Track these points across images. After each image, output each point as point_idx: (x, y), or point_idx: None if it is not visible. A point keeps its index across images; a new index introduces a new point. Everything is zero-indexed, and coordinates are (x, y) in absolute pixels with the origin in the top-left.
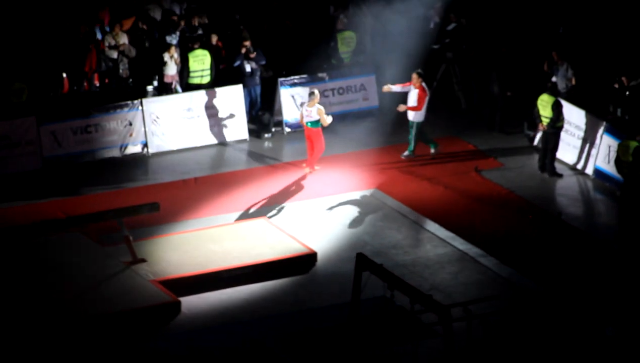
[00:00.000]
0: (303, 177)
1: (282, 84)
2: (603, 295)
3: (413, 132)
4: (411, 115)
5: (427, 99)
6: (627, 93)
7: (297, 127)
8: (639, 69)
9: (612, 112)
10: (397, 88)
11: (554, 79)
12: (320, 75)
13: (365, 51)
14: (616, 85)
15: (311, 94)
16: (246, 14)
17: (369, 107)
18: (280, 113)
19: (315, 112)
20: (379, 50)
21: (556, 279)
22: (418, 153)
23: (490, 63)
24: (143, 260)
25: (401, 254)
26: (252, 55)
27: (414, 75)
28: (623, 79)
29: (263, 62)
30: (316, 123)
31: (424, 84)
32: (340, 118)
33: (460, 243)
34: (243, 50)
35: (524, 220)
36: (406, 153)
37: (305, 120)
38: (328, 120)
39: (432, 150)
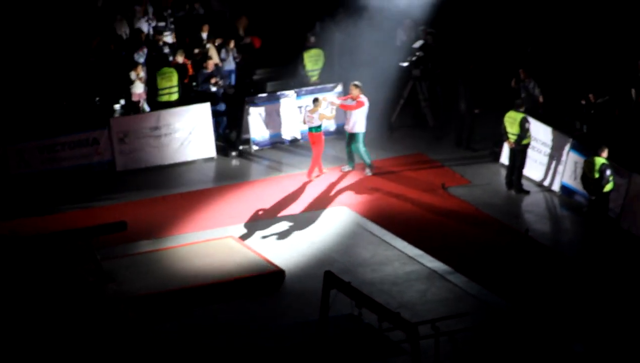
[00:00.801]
0: (271, 195)
1: (249, 102)
2: (571, 311)
3: (359, 146)
4: (352, 127)
5: (364, 109)
6: (593, 111)
7: (265, 145)
8: (606, 87)
9: (579, 128)
10: (339, 102)
11: (523, 95)
12: (287, 92)
13: (332, 68)
14: (583, 102)
15: (315, 100)
16: (213, 32)
17: (336, 124)
18: (247, 131)
19: (317, 118)
20: (346, 68)
21: (524, 296)
22: (386, 170)
23: (457, 80)
24: (111, 280)
25: (369, 272)
26: (215, 80)
27: (352, 87)
28: (590, 96)
29: (228, 82)
30: (318, 128)
31: (362, 96)
32: (307, 136)
33: (428, 261)
34: (209, 68)
35: (491, 237)
36: (367, 170)
37: (307, 125)
38: (333, 112)
39: (346, 167)
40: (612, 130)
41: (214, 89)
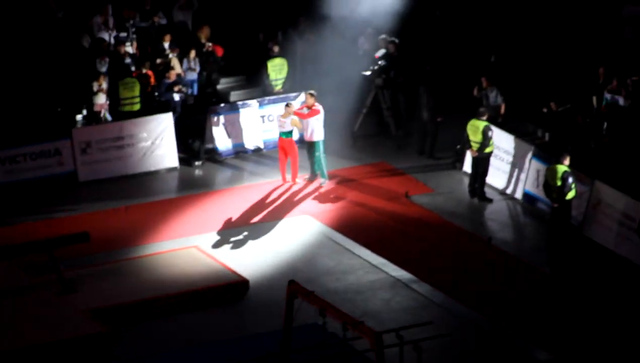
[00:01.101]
0: (234, 205)
1: (211, 112)
2: (535, 319)
3: (318, 154)
4: (310, 136)
5: (319, 117)
6: (555, 119)
7: (228, 155)
8: (568, 95)
9: (541, 137)
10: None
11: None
12: (250, 102)
13: (295, 77)
14: (545, 110)
15: (287, 105)
16: (175, 42)
17: (300, 133)
18: (210, 141)
19: (289, 123)
20: (309, 77)
21: (488, 304)
22: (349, 178)
23: (419, 88)
24: (73, 290)
25: (333, 281)
26: (178, 89)
27: (307, 96)
28: (552, 104)
29: (190, 92)
30: (289, 133)
31: (317, 105)
32: (270, 145)
33: (392, 270)
34: (171, 78)
35: (455, 245)
36: (322, 180)
37: (278, 130)
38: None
39: (309, 176)
40: (574, 138)
41: (177, 97)
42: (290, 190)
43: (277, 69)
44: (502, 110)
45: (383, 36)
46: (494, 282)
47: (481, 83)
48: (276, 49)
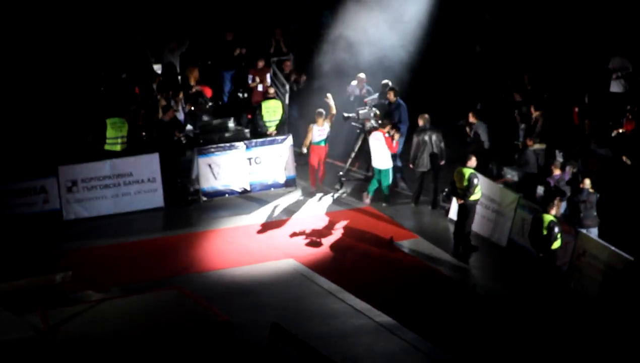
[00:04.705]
0: (218, 246)
1: (199, 153)
2: None
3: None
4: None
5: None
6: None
7: (214, 196)
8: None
9: (508, 175)
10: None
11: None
12: (237, 144)
13: (285, 121)
14: (520, 146)
15: (320, 113)
16: (164, 83)
17: (287, 176)
18: (197, 182)
19: (328, 128)
20: (297, 121)
21: (471, 351)
22: (335, 222)
23: (422, 133)
24: (56, 329)
25: (316, 325)
26: (178, 136)
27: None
28: (527, 140)
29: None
30: (326, 140)
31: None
32: (256, 187)
33: (375, 315)
34: (168, 117)
35: (439, 292)
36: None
37: (316, 139)
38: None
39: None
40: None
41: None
42: (273, 233)
43: (271, 111)
44: (484, 146)
45: (385, 81)
46: (477, 330)
47: (468, 118)
48: (272, 91)
